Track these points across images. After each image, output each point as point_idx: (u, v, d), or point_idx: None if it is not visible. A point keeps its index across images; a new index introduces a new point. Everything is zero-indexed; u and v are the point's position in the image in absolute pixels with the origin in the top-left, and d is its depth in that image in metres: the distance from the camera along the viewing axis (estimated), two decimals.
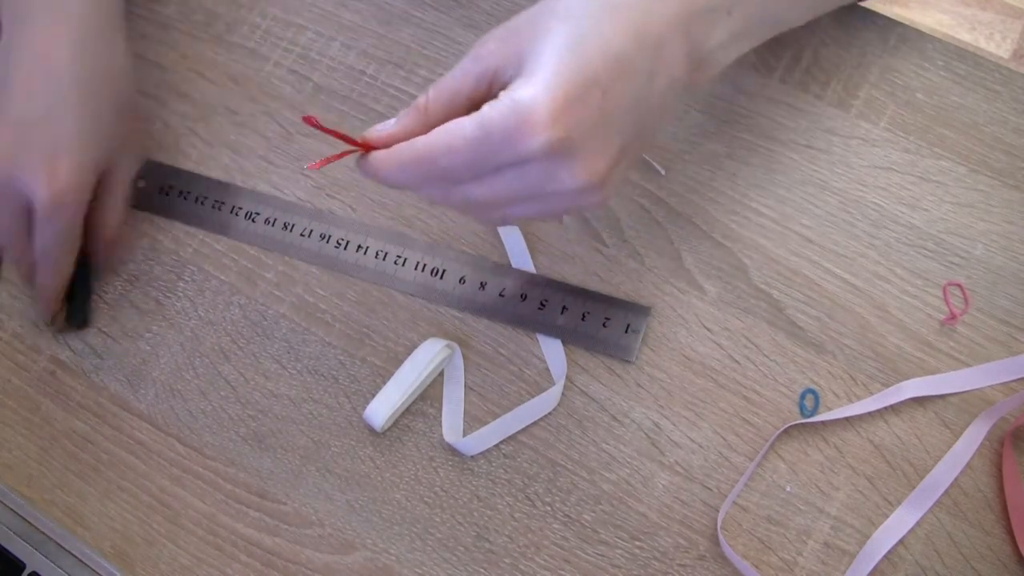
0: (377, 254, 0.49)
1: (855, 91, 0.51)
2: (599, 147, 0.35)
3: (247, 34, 0.56)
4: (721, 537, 0.44)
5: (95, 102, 0.46)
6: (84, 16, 0.46)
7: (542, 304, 0.48)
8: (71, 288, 0.50)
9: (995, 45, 1.32)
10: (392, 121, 0.38)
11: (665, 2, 0.37)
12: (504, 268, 0.49)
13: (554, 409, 0.47)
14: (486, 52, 0.37)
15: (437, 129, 0.36)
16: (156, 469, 0.48)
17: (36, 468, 0.49)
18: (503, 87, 0.35)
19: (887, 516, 0.44)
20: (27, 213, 0.46)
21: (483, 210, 0.39)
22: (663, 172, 0.50)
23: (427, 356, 0.46)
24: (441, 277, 0.48)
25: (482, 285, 0.48)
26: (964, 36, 1.35)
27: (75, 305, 0.50)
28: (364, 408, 0.48)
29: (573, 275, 0.49)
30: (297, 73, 0.54)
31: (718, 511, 0.45)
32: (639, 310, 0.47)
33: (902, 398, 0.45)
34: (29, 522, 0.48)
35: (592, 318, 0.47)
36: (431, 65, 0.53)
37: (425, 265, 0.49)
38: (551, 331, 0.47)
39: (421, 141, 0.36)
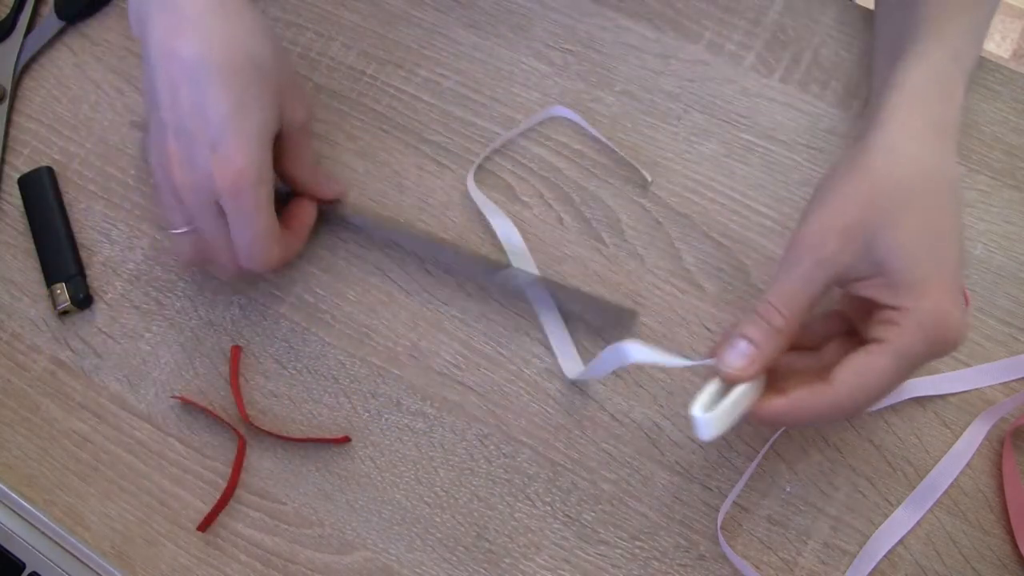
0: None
1: (855, 91, 0.51)
2: (964, 316, 0.36)
3: None
4: (721, 537, 0.44)
5: (235, 78, 0.42)
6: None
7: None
8: (65, 268, 0.51)
9: (995, 45, 1.32)
10: (744, 345, 0.38)
11: (950, 122, 0.39)
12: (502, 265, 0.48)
13: (554, 410, 0.47)
14: (830, 254, 0.37)
15: (844, 380, 0.36)
16: (156, 469, 0.48)
17: (36, 468, 0.49)
18: (854, 283, 0.37)
19: (887, 516, 0.44)
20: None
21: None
22: (650, 179, 0.50)
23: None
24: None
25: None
26: None
27: (74, 285, 0.50)
28: (364, 408, 0.48)
29: (573, 275, 0.49)
30: (297, 73, 0.54)
31: (718, 511, 0.45)
32: (626, 314, 0.45)
33: (902, 398, 0.45)
34: (29, 522, 0.48)
35: (580, 324, 0.46)
36: (431, 65, 0.53)
37: None
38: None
39: (836, 394, 0.36)
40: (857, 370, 0.36)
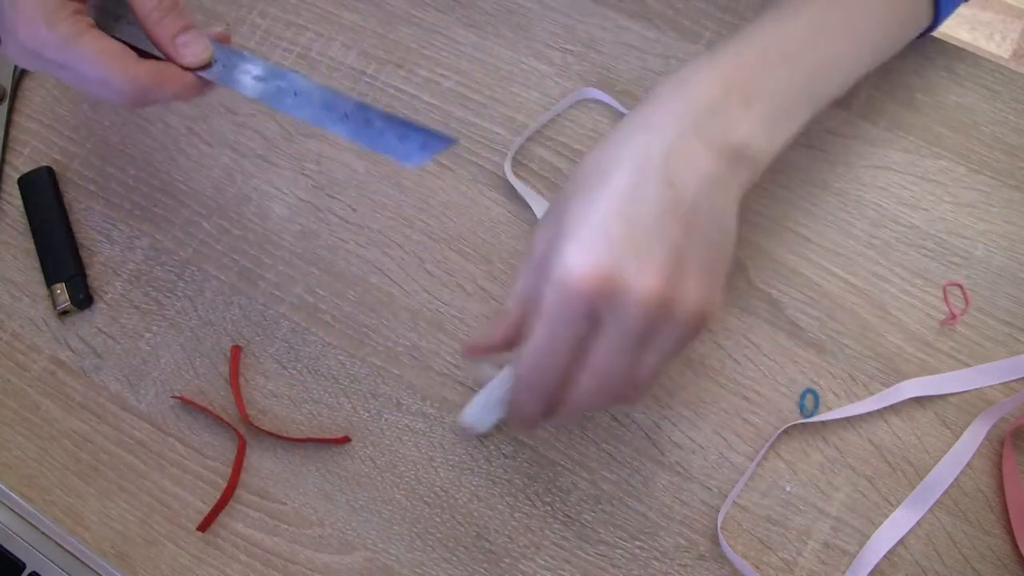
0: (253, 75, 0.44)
1: (855, 91, 0.50)
2: (641, 269, 0.35)
3: (247, 34, 0.56)
4: (721, 537, 0.44)
5: None
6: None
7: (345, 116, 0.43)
8: (65, 268, 0.51)
9: (995, 45, 1.32)
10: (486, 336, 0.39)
11: (664, 120, 0.37)
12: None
13: None
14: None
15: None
16: (156, 469, 0.48)
17: (36, 468, 0.49)
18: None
19: (887, 516, 0.44)
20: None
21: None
22: None
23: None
24: None
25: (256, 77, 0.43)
26: (964, 36, 1.35)
27: (74, 285, 0.51)
28: (364, 408, 0.48)
29: None
30: (297, 73, 0.54)
31: (718, 511, 0.45)
32: (443, 138, 0.41)
33: (902, 398, 0.45)
34: (29, 522, 0.48)
35: (389, 133, 0.42)
36: (431, 65, 0.53)
37: None
38: (344, 130, 0.43)
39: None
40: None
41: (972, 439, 0.45)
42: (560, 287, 0.35)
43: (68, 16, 0.40)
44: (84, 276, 0.51)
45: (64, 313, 0.51)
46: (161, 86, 0.41)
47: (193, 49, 0.42)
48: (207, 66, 0.43)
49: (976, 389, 0.45)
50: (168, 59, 0.42)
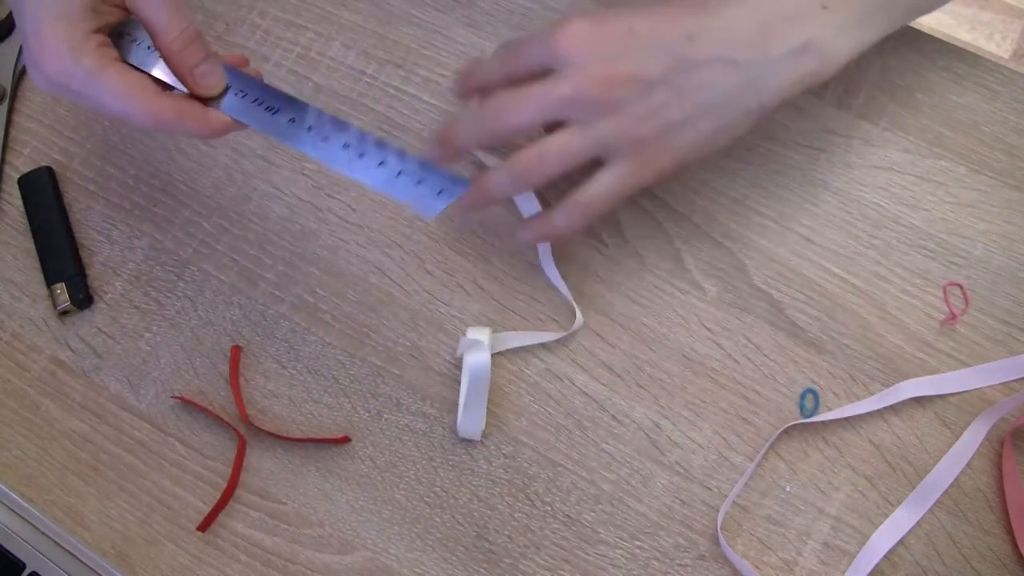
0: (256, 100, 0.45)
1: (855, 91, 0.51)
2: (603, 62, 0.40)
3: (247, 34, 0.56)
4: (721, 537, 0.44)
5: None
6: None
7: (346, 146, 0.43)
8: (65, 268, 0.51)
9: (995, 45, 1.32)
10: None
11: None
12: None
13: (554, 410, 0.47)
14: None
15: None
16: (156, 469, 0.48)
17: (36, 468, 0.49)
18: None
19: (887, 516, 0.44)
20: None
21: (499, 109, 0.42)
22: None
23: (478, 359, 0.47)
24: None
25: (271, 110, 0.44)
26: (964, 36, 1.35)
27: (74, 285, 0.50)
28: (364, 408, 0.48)
29: (573, 274, 0.49)
30: (297, 73, 0.54)
31: (718, 511, 0.45)
32: (456, 179, 0.42)
33: (902, 398, 0.45)
34: (29, 522, 0.48)
35: (405, 176, 0.42)
36: (431, 65, 0.53)
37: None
38: (348, 168, 0.43)
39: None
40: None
41: (972, 439, 0.45)
42: (545, 29, 0.41)
43: (93, 50, 0.40)
44: (84, 276, 0.51)
45: (64, 313, 0.51)
46: (182, 123, 0.41)
47: (209, 81, 0.42)
48: (222, 94, 0.43)
49: (976, 389, 0.45)
50: (184, 85, 0.43)
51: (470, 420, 0.46)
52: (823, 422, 0.46)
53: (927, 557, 0.44)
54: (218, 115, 0.42)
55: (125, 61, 0.42)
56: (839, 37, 0.41)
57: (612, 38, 0.40)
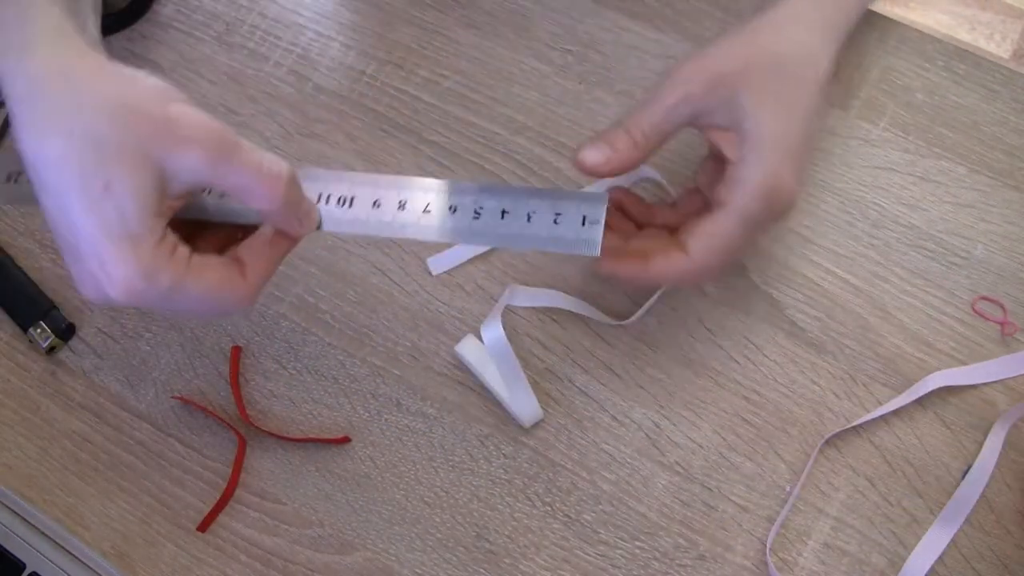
0: (339, 200, 0.42)
1: (855, 91, 0.51)
2: (798, 180, 0.40)
3: (247, 34, 0.56)
4: (769, 560, 0.44)
5: (84, 175, 0.36)
6: None
7: (476, 213, 0.40)
8: (35, 311, 0.50)
9: (995, 45, 1.32)
10: (605, 146, 0.41)
11: (837, 24, 0.42)
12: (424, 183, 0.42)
13: (554, 409, 0.47)
14: (697, 93, 0.40)
15: (695, 245, 0.40)
16: (156, 469, 0.48)
17: (36, 468, 0.49)
18: (709, 128, 0.41)
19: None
20: None
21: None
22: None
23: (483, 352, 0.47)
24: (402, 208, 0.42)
25: (401, 205, 0.41)
26: (964, 36, 1.35)
27: (53, 319, 0.50)
28: (364, 408, 0.48)
29: (572, 275, 0.49)
30: (297, 73, 0.54)
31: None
32: (592, 198, 0.40)
33: (930, 388, 0.45)
34: (29, 522, 0.48)
35: (539, 217, 0.40)
36: (431, 65, 0.53)
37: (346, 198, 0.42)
38: (495, 240, 0.41)
39: (689, 259, 0.41)
40: (706, 232, 0.40)
41: (991, 451, 0.44)
42: (756, 192, 0.39)
43: (166, 264, 0.36)
44: (56, 308, 0.50)
45: (52, 349, 0.50)
46: (270, 275, 0.40)
47: (313, 219, 0.40)
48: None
49: (977, 390, 0.46)
50: (285, 230, 0.40)
51: (522, 402, 0.45)
52: (824, 423, 0.46)
53: None
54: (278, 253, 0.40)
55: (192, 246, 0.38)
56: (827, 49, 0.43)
57: (799, 163, 0.40)
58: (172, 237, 0.37)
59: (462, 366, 0.48)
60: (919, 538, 0.44)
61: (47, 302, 0.51)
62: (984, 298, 0.47)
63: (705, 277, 0.44)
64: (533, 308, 0.49)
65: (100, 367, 0.50)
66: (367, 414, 0.48)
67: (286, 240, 0.40)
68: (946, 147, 0.49)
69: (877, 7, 0.52)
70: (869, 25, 0.52)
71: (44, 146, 0.35)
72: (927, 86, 0.50)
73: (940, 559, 0.43)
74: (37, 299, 0.51)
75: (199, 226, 0.41)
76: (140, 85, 0.36)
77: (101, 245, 0.35)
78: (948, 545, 0.43)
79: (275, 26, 0.56)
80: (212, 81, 0.55)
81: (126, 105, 0.35)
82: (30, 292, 0.51)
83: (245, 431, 0.48)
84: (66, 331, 0.50)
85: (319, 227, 0.41)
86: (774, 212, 0.40)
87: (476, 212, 0.40)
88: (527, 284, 0.49)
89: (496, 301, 0.49)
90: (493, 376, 0.46)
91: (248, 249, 0.39)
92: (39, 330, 0.50)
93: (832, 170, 0.49)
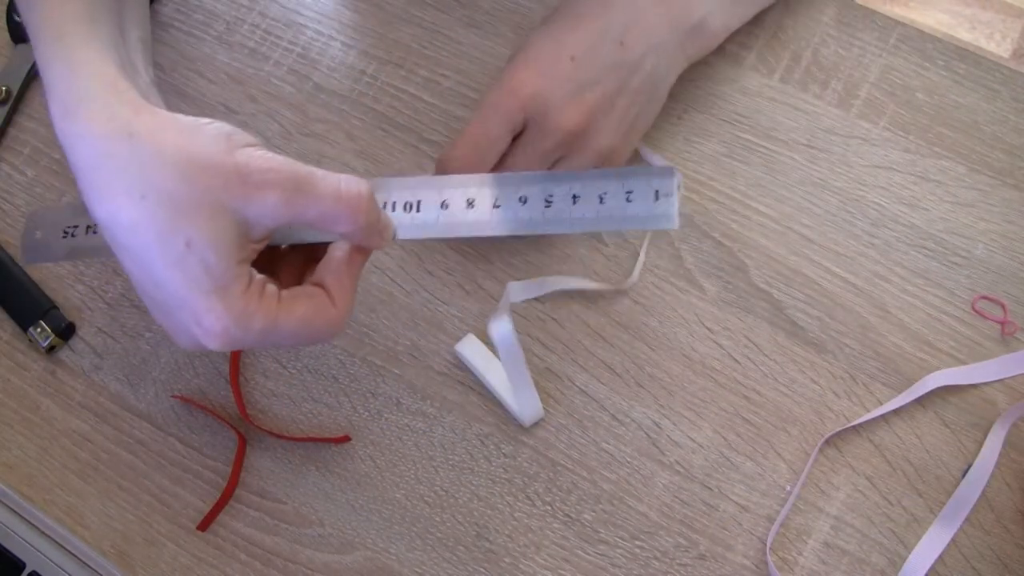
0: (405, 206, 0.41)
1: (855, 91, 0.51)
2: (572, 101, 0.43)
3: (247, 34, 0.56)
4: (769, 560, 0.44)
5: (163, 234, 0.35)
6: None
7: (547, 202, 0.40)
8: (34, 310, 0.50)
9: (995, 45, 1.32)
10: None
11: None
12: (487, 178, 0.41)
13: (554, 410, 0.47)
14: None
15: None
16: (156, 469, 0.48)
17: (36, 468, 0.49)
18: None
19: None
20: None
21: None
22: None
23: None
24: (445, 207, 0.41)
25: (470, 203, 0.40)
26: (964, 36, 1.35)
27: (52, 319, 0.50)
28: (364, 408, 0.48)
29: (573, 274, 0.49)
30: (297, 73, 0.54)
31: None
32: (662, 172, 0.38)
33: (930, 387, 0.45)
34: (29, 522, 0.48)
35: (611, 197, 0.39)
36: (431, 65, 0.53)
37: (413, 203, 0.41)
38: (569, 225, 0.40)
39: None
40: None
41: (991, 451, 0.44)
42: (502, 88, 0.43)
43: (256, 309, 0.35)
44: (56, 307, 0.50)
45: (52, 348, 0.50)
46: (354, 289, 0.39)
47: (388, 234, 0.40)
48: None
49: (977, 390, 0.46)
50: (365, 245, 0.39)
51: (525, 400, 0.45)
52: (824, 423, 0.46)
53: None
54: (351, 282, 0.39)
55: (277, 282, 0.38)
56: (720, 15, 0.47)
57: (560, 76, 0.43)
58: (259, 278, 0.36)
59: (462, 365, 0.48)
60: (919, 537, 0.44)
61: (47, 302, 0.51)
62: (984, 297, 0.47)
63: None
64: (533, 308, 0.49)
65: (100, 366, 0.50)
66: (367, 413, 0.48)
67: (363, 254, 0.39)
68: (946, 146, 0.49)
69: (876, 7, 0.52)
70: (868, 24, 0.52)
71: (117, 212, 0.34)
72: (927, 85, 0.50)
73: (940, 558, 0.43)
74: (37, 299, 0.51)
75: (275, 250, 0.40)
76: (202, 135, 0.35)
77: (191, 300, 0.35)
78: (948, 544, 0.43)
79: (275, 25, 0.56)
80: (212, 80, 0.55)
81: (192, 160, 0.34)
82: (30, 292, 0.51)
83: (245, 430, 0.48)
84: (66, 330, 0.50)
85: (394, 236, 0.40)
86: (497, 87, 0.43)
87: (547, 200, 0.40)
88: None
89: (496, 301, 0.49)
90: (494, 375, 0.46)
91: (329, 272, 0.38)
92: (39, 329, 0.50)
93: (832, 170, 0.49)
